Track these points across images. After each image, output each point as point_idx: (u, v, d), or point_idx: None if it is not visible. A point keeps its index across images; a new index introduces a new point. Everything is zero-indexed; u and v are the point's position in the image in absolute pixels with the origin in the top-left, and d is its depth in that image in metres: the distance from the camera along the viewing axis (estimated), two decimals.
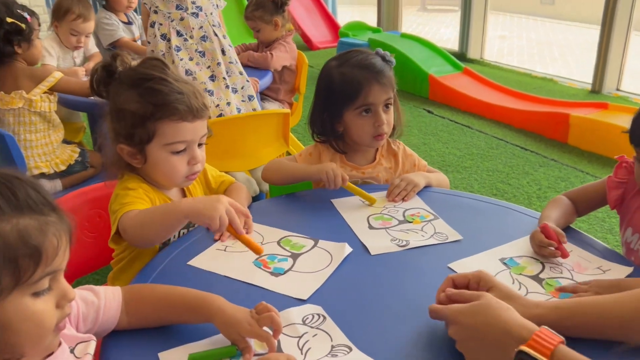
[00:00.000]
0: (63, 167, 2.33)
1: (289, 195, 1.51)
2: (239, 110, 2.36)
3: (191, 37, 2.25)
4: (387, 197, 1.46)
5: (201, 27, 2.27)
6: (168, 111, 1.20)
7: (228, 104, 2.30)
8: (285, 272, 1.14)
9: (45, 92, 2.22)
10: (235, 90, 2.38)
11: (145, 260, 1.21)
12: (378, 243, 1.24)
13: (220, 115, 2.28)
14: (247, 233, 1.16)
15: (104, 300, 0.94)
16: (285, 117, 2.18)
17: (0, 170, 0.72)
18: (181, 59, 2.23)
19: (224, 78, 2.32)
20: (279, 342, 0.93)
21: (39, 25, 2.30)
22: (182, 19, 2.23)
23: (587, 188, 1.39)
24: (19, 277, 0.67)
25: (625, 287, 0.92)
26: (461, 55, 5.98)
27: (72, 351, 0.84)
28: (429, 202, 1.44)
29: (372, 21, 7.05)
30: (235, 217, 1.10)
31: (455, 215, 1.37)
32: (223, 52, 2.33)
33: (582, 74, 5.24)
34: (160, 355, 0.90)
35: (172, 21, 2.23)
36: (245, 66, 2.64)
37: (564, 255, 1.16)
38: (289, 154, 2.15)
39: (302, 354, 0.91)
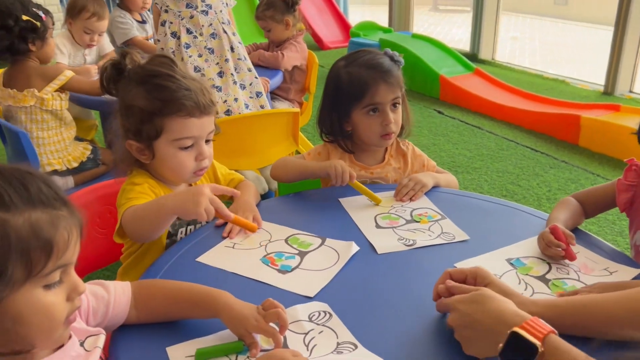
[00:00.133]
0: (75, 164, 2.36)
1: (297, 194, 1.52)
2: (246, 106, 2.38)
3: (201, 34, 2.28)
4: (395, 197, 1.46)
5: (210, 24, 2.30)
6: (175, 107, 1.22)
7: (235, 99, 2.32)
8: (292, 270, 1.15)
9: (56, 91, 2.25)
10: (243, 87, 2.40)
11: (153, 256, 1.22)
12: (385, 242, 1.25)
13: (228, 110, 2.30)
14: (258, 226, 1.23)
15: (114, 295, 0.95)
16: (295, 117, 2.19)
17: (13, 165, 0.73)
18: (190, 56, 2.26)
19: (232, 74, 2.34)
20: (285, 338, 0.94)
21: (53, 24, 2.33)
22: (192, 16, 2.26)
23: (596, 190, 1.39)
24: (31, 270, 0.69)
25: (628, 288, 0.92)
26: (472, 56, 5.96)
27: (81, 344, 0.86)
28: (437, 202, 1.45)
29: (383, 21, 7.05)
30: (220, 204, 1.12)
31: (462, 215, 1.38)
32: (232, 49, 2.35)
33: (594, 75, 5.20)
34: (168, 349, 0.92)
35: (182, 19, 2.26)
36: (256, 65, 2.66)
37: (571, 258, 1.16)
38: (298, 153, 2.16)
39: (307, 350, 0.92)
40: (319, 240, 1.26)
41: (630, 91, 4.77)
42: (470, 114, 4.43)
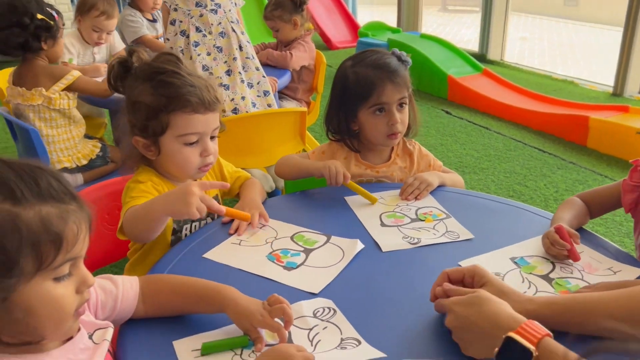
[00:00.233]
0: (85, 162, 2.38)
1: (303, 192, 1.53)
2: (253, 104, 2.39)
3: (210, 32, 2.30)
4: (400, 196, 1.47)
5: (219, 23, 2.32)
6: (180, 103, 1.24)
7: (243, 98, 2.33)
8: (297, 267, 1.16)
9: (63, 90, 2.27)
10: (250, 85, 2.41)
11: (159, 252, 1.24)
12: (390, 240, 1.26)
13: (235, 109, 2.32)
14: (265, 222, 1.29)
15: (122, 289, 0.97)
16: (302, 116, 2.20)
17: (24, 160, 0.75)
18: (199, 55, 2.27)
19: (240, 73, 2.36)
20: (289, 333, 0.95)
21: (63, 24, 2.36)
22: (201, 15, 2.28)
23: (601, 190, 1.39)
24: (41, 262, 0.71)
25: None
26: (481, 57, 5.95)
27: (90, 337, 0.87)
28: (442, 201, 1.45)
29: (392, 21, 7.04)
30: (210, 200, 1.13)
31: (467, 214, 1.38)
32: (240, 47, 2.37)
33: (604, 76, 5.18)
34: (175, 343, 0.93)
35: (191, 18, 2.28)
36: (264, 65, 2.67)
37: (575, 258, 1.16)
38: (305, 152, 2.17)
39: (312, 345, 0.93)
40: (324, 238, 1.27)
41: None
42: (478, 114, 4.43)
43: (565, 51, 7.62)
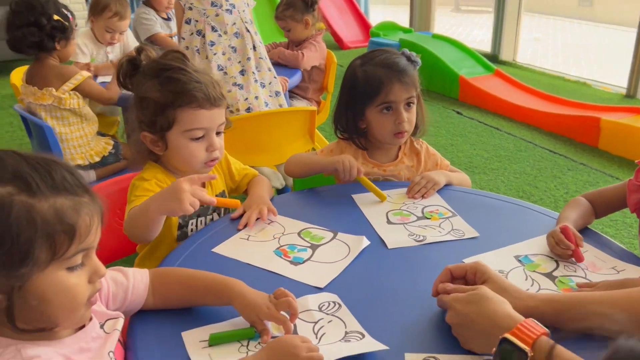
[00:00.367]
0: (97, 159, 2.42)
1: (311, 190, 1.55)
2: (266, 104, 2.42)
3: (225, 32, 2.32)
4: (407, 194, 1.49)
5: (234, 23, 2.34)
6: (186, 99, 1.27)
7: (256, 97, 2.36)
8: (304, 262, 1.18)
9: (73, 90, 2.32)
10: (263, 85, 2.44)
11: (166, 247, 1.28)
12: (395, 237, 1.28)
13: (249, 108, 2.34)
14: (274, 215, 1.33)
15: (133, 281, 1.00)
16: (311, 115, 2.22)
17: (39, 154, 0.78)
18: (215, 54, 2.30)
19: (254, 73, 2.38)
20: (295, 326, 0.97)
21: (76, 25, 2.40)
22: (217, 15, 2.30)
23: (607, 190, 1.40)
24: (55, 252, 0.73)
25: (631, 286, 0.94)
26: (493, 57, 5.94)
27: (101, 326, 0.90)
28: (448, 200, 1.47)
29: (404, 21, 7.04)
30: (200, 193, 1.16)
31: (473, 213, 1.40)
32: (254, 47, 2.39)
33: (617, 78, 5.15)
34: (184, 334, 0.96)
35: (207, 17, 2.29)
36: (274, 64, 2.69)
37: (579, 259, 1.17)
38: (314, 150, 2.19)
39: (316, 338, 0.95)
40: (331, 234, 1.29)
41: None
42: (489, 114, 4.42)
43: (579, 52, 7.57)
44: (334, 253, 1.21)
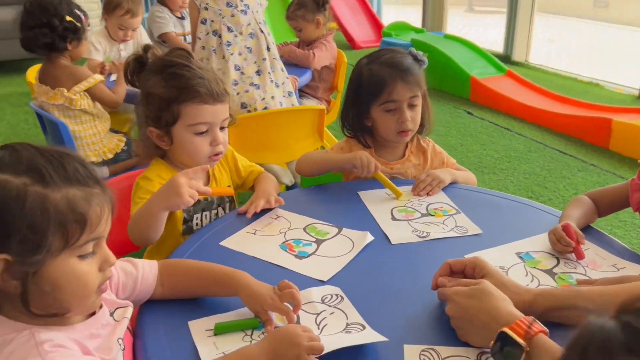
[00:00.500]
0: (110, 156, 2.47)
1: (317, 186, 1.58)
2: (281, 104, 2.44)
3: (240, 33, 2.35)
4: (412, 191, 1.51)
5: (249, 24, 2.37)
6: (190, 94, 1.30)
7: (272, 97, 2.39)
8: (308, 256, 1.21)
9: (84, 91, 2.37)
10: (277, 85, 2.47)
11: (172, 242, 1.32)
12: (399, 233, 1.30)
13: (265, 108, 2.37)
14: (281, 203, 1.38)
15: (142, 272, 1.03)
16: (320, 113, 2.25)
17: (53, 147, 0.81)
18: (231, 54, 2.33)
19: (269, 73, 2.41)
20: (298, 317, 1.00)
21: (89, 25, 2.45)
22: (232, 15, 2.33)
23: (610, 189, 1.41)
24: (67, 240, 0.77)
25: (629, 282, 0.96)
26: (506, 58, 5.92)
27: (111, 314, 0.93)
28: (453, 198, 1.49)
29: (417, 21, 7.04)
30: (196, 185, 1.21)
31: (477, 210, 1.42)
32: (268, 48, 2.42)
33: (631, 79, 5.11)
34: (190, 323, 0.99)
35: (223, 18, 2.32)
36: (285, 62, 2.72)
37: (580, 256, 1.19)
38: (323, 149, 2.22)
39: (318, 329, 0.98)
40: (336, 230, 1.32)
41: None
42: (499, 115, 4.42)
43: (594, 53, 7.52)
44: (338, 248, 1.24)
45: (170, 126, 1.34)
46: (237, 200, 1.56)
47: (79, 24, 2.32)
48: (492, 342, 0.85)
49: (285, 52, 3.04)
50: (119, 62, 2.93)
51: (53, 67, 2.34)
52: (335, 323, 0.99)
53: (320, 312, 1.02)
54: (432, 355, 0.91)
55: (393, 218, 1.38)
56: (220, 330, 0.97)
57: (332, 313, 1.02)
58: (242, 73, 2.35)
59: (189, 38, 3.57)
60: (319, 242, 1.27)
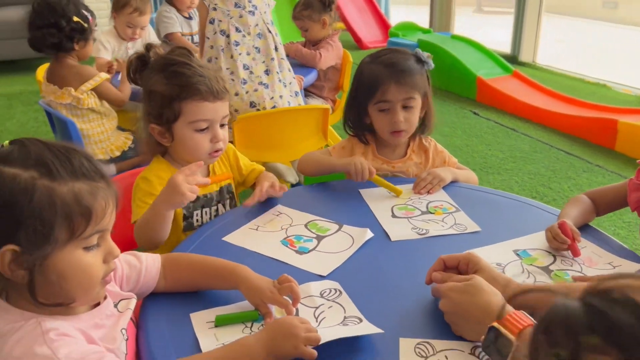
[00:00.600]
0: (118, 153, 2.51)
1: (320, 184, 1.61)
2: (289, 103, 2.47)
3: (248, 33, 2.38)
4: (413, 189, 1.53)
5: (257, 24, 2.40)
6: (191, 92, 1.33)
7: (280, 96, 2.42)
8: (309, 252, 1.24)
9: (91, 90, 2.40)
10: (285, 85, 2.50)
11: (173, 239, 1.35)
12: (399, 230, 1.32)
13: (274, 107, 2.40)
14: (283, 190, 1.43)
15: (145, 265, 1.06)
16: (325, 113, 2.27)
17: (60, 142, 0.85)
18: (240, 54, 2.36)
19: (277, 72, 2.44)
20: (297, 310, 1.03)
21: (96, 25, 2.49)
22: (240, 16, 2.36)
23: (608, 189, 1.42)
24: (73, 232, 0.80)
25: None
26: (513, 58, 5.92)
27: (115, 306, 0.96)
28: (453, 196, 1.51)
29: (425, 22, 7.04)
30: (195, 179, 1.25)
31: (476, 209, 1.44)
32: (276, 48, 2.45)
33: (639, 80, 5.10)
34: (192, 315, 1.02)
35: (231, 18, 2.35)
36: (290, 62, 2.74)
37: (575, 254, 1.21)
38: (327, 147, 2.24)
39: (316, 321, 1.01)
40: (337, 226, 1.34)
41: None
42: (505, 115, 4.42)
43: (602, 54, 7.49)
44: (338, 244, 1.26)
45: (171, 123, 1.37)
46: (238, 199, 1.59)
47: (86, 25, 2.36)
48: (484, 336, 0.87)
49: (291, 51, 3.07)
50: (124, 61, 2.97)
51: (60, 66, 2.38)
52: (333, 316, 1.02)
53: (319, 306, 1.04)
54: (427, 349, 0.94)
55: (393, 215, 1.40)
56: (220, 322, 0.99)
57: (330, 307, 1.04)
58: (251, 72, 2.38)
59: (195, 38, 3.60)
60: (319, 238, 1.29)
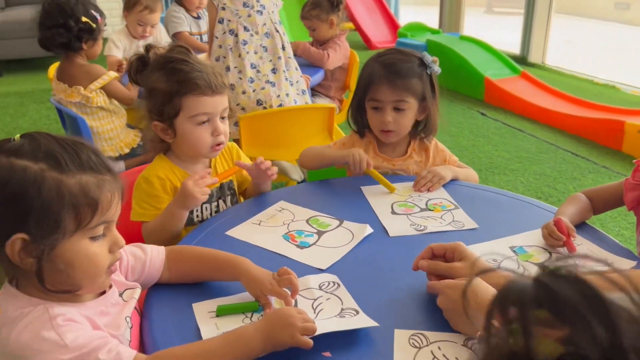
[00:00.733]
0: (127, 150, 2.56)
1: (323, 181, 1.64)
2: (295, 102, 2.51)
3: (256, 32, 2.42)
4: (413, 187, 1.56)
5: (265, 24, 2.44)
6: (190, 87, 1.37)
7: (287, 95, 2.45)
8: (309, 246, 1.27)
9: (100, 88, 2.45)
10: (292, 84, 2.53)
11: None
12: (397, 226, 1.35)
13: (280, 105, 2.44)
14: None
15: (150, 256, 1.10)
16: (330, 112, 2.31)
17: (69, 136, 0.88)
18: (247, 52, 2.40)
19: (284, 71, 2.48)
20: (295, 301, 1.06)
21: (105, 25, 2.54)
22: (249, 15, 2.40)
23: (605, 188, 1.44)
24: (80, 223, 0.84)
25: None
26: (522, 59, 5.92)
27: (120, 295, 1.00)
28: (453, 194, 1.53)
29: (435, 22, 7.05)
30: (202, 182, 1.34)
31: (475, 206, 1.46)
32: (283, 47, 2.49)
33: None
34: (194, 305, 1.05)
35: (239, 17, 2.40)
36: (297, 61, 2.77)
37: (571, 249, 1.23)
38: None
39: (314, 312, 1.04)
40: (337, 222, 1.37)
41: None
42: (513, 116, 4.43)
43: (613, 55, 7.47)
44: (338, 239, 1.29)
45: (172, 119, 1.41)
46: (239, 197, 1.62)
47: (94, 25, 2.40)
48: (479, 332, 0.89)
49: (298, 49, 3.10)
50: None
51: (70, 65, 2.43)
52: (330, 308, 1.05)
53: (317, 298, 1.08)
54: (421, 340, 0.97)
55: (393, 212, 1.43)
56: (221, 312, 1.03)
57: (328, 299, 1.07)
58: (258, 71, 2.42)
59: (204, 37, 3.65)
60: (320, 233, 1.32)
